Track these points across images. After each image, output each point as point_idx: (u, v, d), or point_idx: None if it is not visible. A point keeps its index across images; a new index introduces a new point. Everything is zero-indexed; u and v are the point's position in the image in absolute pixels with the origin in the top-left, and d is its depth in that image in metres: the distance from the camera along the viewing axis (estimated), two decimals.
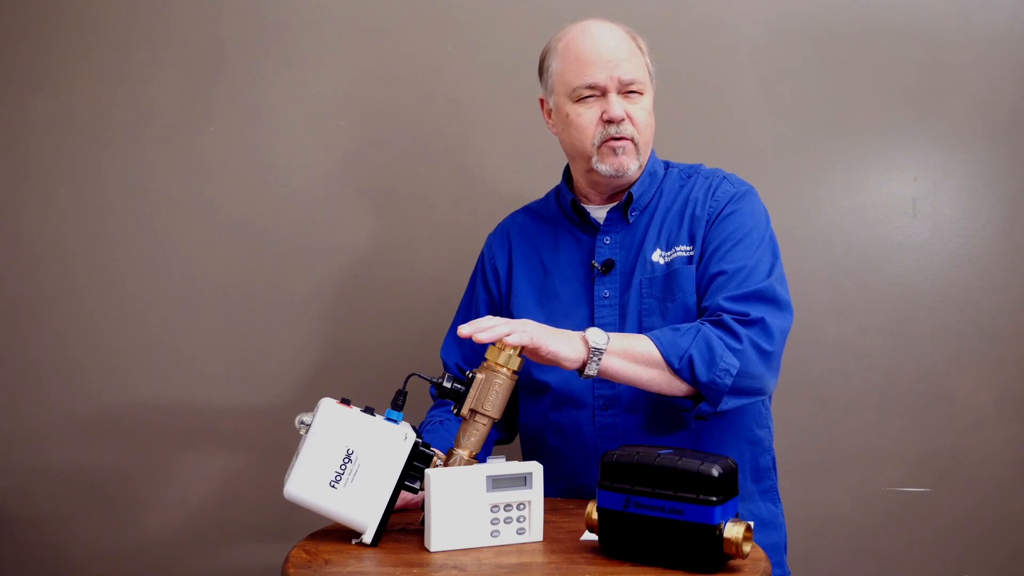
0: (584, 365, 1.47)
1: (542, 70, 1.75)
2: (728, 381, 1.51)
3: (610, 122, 1.65)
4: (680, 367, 1.50)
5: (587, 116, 1.67)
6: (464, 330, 1.41)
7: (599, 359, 1.46)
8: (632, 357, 1.50)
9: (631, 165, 1.68)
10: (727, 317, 1.54)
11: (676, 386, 1.53)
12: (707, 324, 1.54)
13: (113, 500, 2.27)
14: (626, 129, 1.66)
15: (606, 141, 1.66)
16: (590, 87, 1.66)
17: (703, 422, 1.58)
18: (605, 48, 1.66)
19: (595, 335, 1.47)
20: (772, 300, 1.58)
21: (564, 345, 1.45)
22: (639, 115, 1.68)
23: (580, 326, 1.52)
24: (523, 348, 1.42)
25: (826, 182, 2.17)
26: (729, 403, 1.53)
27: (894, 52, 2.15)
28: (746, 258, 1.61)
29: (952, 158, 2.15)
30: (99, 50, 2.27)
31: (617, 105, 1.65)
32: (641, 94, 1.68)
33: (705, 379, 1.50)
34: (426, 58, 2.23)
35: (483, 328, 1.41)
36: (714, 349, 1.50)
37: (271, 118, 2.26)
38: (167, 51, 2.26)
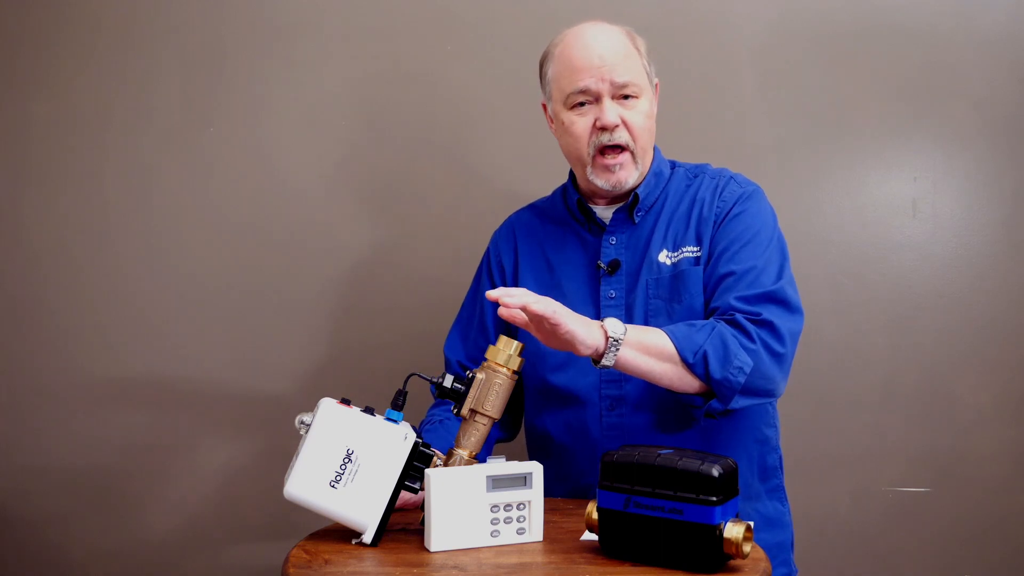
0: (598, 354, 1.46)
1: (542, 76, 1.74)
2: (741, 379, 1.50)
3: (604, 129, 1.63)
4: (694, 362, 1.50)
5: (581, 124, 1.65)
6: (493, 293, 1.40)
7: (617, 349, 1.46)
8: (647, 350, 1.49)
9: (628, 179, 1.67)
10: (740, 316, 1.54)
11: (688, 382, 1.52)
12: (722, 322, 1.54)
13: (113, 500, 2.27)
14: (620, 136, 1.64)
15: (601, 154, 1.65)
16: (582, 91, 1.64)
17: (711, 421, 1.58)
18: (598, 52, 1.64)
19: (614, 325, 1.46)
20: (783, 303, 1.57)
21: (582, 329, 1.43)
22: (635, 120, 1.65)
23: None
24: (540, 325, 1.40)
25: (826, 182, 2.17)
26: (740, 402, 1.53)
27: (894, 52, 2.15)
28: (755, 259, 1.60)
29: (952, 158, 2.15)
30: (99, 50, 2.27)
31: (611, 111, 1.63)
32: (637, 98, 1.65)
33: (718, 376, 1.50)
34: (426, 58, 2.23)
35: (512, 294, 1.39)
36: (728, 347, 1.50)
37: (271, 118, 2.26)
38: (167, 51, 2.26)
